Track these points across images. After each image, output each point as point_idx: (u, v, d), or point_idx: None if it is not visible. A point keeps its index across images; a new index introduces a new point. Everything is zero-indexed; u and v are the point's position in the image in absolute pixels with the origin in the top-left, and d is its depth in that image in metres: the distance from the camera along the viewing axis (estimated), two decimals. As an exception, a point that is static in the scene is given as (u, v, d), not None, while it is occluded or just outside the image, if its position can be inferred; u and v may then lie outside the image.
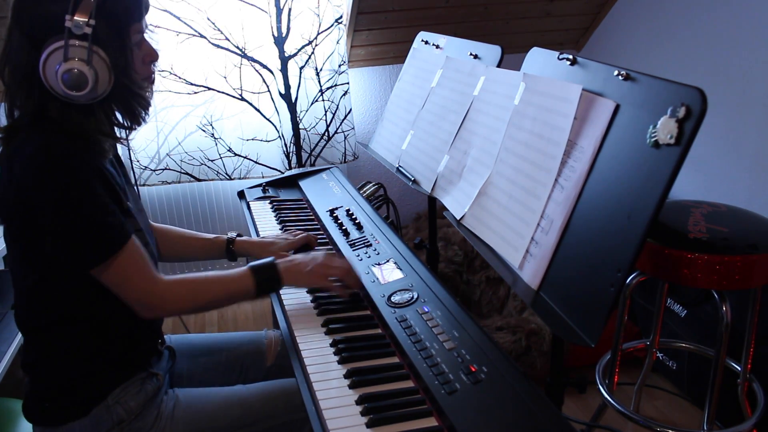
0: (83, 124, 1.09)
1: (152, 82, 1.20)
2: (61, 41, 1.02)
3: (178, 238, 1.51)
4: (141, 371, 1.21)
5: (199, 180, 2.71)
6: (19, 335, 1.63)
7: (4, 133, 1.11)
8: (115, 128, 1.18)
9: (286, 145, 2.74)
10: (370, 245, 1.48)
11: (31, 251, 1.11)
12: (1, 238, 2.00)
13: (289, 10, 2.56)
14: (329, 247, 1.56)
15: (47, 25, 1.03)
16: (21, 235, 1.10)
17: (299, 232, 1.57)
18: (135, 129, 1.20)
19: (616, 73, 1.02)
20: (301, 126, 2.75)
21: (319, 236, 1.61)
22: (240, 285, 1.22)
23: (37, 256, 1.10)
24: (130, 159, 1.37)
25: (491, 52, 1.47)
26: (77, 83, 1.03)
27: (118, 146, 1.27)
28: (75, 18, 1.01)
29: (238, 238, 1.52)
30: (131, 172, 1.35)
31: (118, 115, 1.16)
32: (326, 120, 2.77)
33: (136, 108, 1.16)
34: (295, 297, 1.32)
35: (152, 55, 1.17)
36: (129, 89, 1.13)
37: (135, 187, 1.34)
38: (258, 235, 1.65)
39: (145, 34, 1.15)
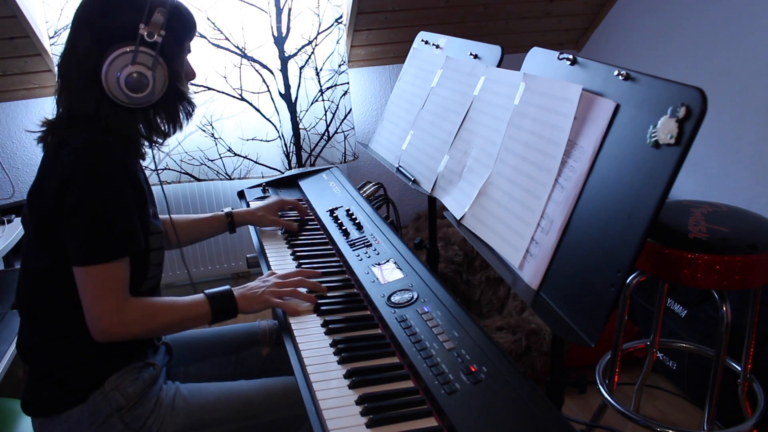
0: (128, 126, 1.19)
1: (192, 107, 1.31)
2: (128, 47, 1.13)
3: (185, 224, 1.56)
4: (137, 360, 1.23)
5: (199, 180, 2.71)
6: (19, 335, 1.64)
7: (50, 126, 1.19)
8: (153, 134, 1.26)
9: (286, 145, 2.74)
10: (370, 245, 1.48)
11: (49, 236, 1.14)
12: (5, 231, 2.00)
13: (289, 10, 2.56)
14: (329, 247, 1.56)
15: (119, 33, 1.14)
16: (46, 219, 1.14)
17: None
18: (172, 135, 1.29)
19: (616, 73, 1.02)
20: (301, 126, 2.75)
21: (319, 236, 1.62)
22: (196, 312, 1.22)
23: (53, 241, 1.13)
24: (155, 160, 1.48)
25: (491, 52, 1.47)
26: (138, 86, 1.15)
27: None
28: (148, 28, 1.14)
29: (234, 211, 1.64)
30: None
31: (159, 122, 1.25)
32: (326, 120, 2.77)
33: (180, 114, 1.26)
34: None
35: (191, 75, 1.29)
36: (181, 95, 1.24)
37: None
38: (258, 234, 1.66)
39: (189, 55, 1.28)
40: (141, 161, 1.27)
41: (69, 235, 1.11)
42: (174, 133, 1.28)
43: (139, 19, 1.13)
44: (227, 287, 1.27)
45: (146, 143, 1.26)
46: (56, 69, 1.20)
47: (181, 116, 1.27)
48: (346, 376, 1.05)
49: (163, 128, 1.26)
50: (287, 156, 2.76)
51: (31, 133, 1.22)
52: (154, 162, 1.55)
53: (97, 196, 1.09)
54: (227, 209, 1.63)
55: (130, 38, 1.14)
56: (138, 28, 1.14)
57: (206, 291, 1.25)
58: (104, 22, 1.14)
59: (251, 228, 1.72)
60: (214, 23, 2.51)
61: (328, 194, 1.86)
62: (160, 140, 1.28)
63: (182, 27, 1.21)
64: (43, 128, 1.20)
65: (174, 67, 1.21)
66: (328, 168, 2.07)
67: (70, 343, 1.18)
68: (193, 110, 1.29)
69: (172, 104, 1.24)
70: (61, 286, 1.15)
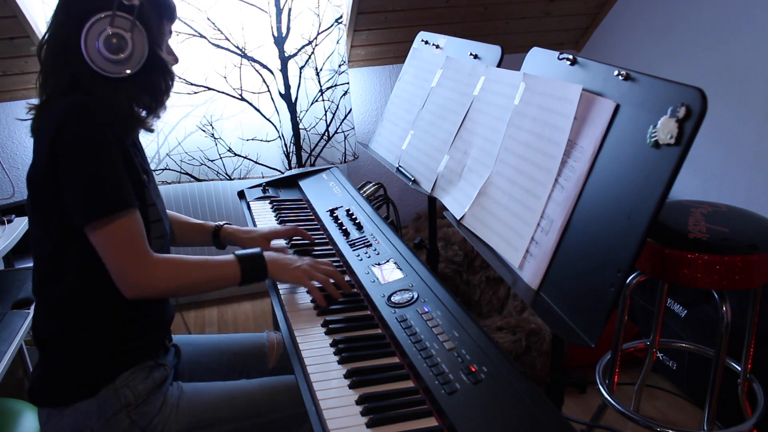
0: (112, 98, 1.16)
1: (172, 80, 1.28)
2: (107, 12, 1.12)
3: (174, 223, 1.53)
4: (149, 359, 1.24)
5: (199, 180, 2.71)
6: (20, 336, 1.64)
7: (36, 109, 1.18)
8: (138, 110, 1.24)
9: (286, 145, 2.74)
10: (370, 245, 1.48)
11: (50, 210, 1.13)
12: (5, 231, 2.00)
13: (289, 10, 2.56)
14: (329, 247, 1.56)
15: (95, 5, 1.13)
16: (44, 192, 1.13)
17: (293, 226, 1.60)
18: (156, 113, 1.26)
19: (616, 73, 1.02)
20: (301, 126, 2.75)
21: (318, 236, 1.61)
22: (226, 271, 1.23)
23: (55, 215, 1.12)
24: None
25: (491, 52, 1.47)
26: (117, 48, 1.13)
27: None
28: None
29: (225, 226, 1.56)
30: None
31: (142, 96, 1.22)
32: (326, 120, 2.77)
33: (161, 86, 1.23)
34: (295, 297, 1.32)
35: (173, 59, 1.26)
36: (161, 65, 1.21)
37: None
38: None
39: (169, 40, 1.27)
40: (135, 144, 1.25)
41: (70, 197, 1.09)
42: (157, 108, 1.25)
43: None
44: (258, 249, 1.28)
45: (135, 123, 1.23)
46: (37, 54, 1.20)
47: (163, 89, 1.23)
48: (346, 376, 1.05)
49: (146, 102, 1.23)
50: (287, 156, 2.76)
51: (23, 120, 1.20)
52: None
53: (87, 151, 1.09)
54: (220, 222, 1.57)
55: (106, 9, 1.13)
56: None
57: (236, 252, 1.25)
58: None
59: (250, 226, 1.72)
60: (214, 23, 2.51)
61: (328, 194, 1.86)
62: (147, 117, 1.25)
63: (160, 2, 1.21)
64: (31, 113, 1.19)
65: (154, 36, 1.19)
66: (328, 168, 2.07)
67: (85, 336, 1.18)
68: (172, 82, 1.25)
69: (153, 75, 1.21)
70: (72, 272, 1.15)
